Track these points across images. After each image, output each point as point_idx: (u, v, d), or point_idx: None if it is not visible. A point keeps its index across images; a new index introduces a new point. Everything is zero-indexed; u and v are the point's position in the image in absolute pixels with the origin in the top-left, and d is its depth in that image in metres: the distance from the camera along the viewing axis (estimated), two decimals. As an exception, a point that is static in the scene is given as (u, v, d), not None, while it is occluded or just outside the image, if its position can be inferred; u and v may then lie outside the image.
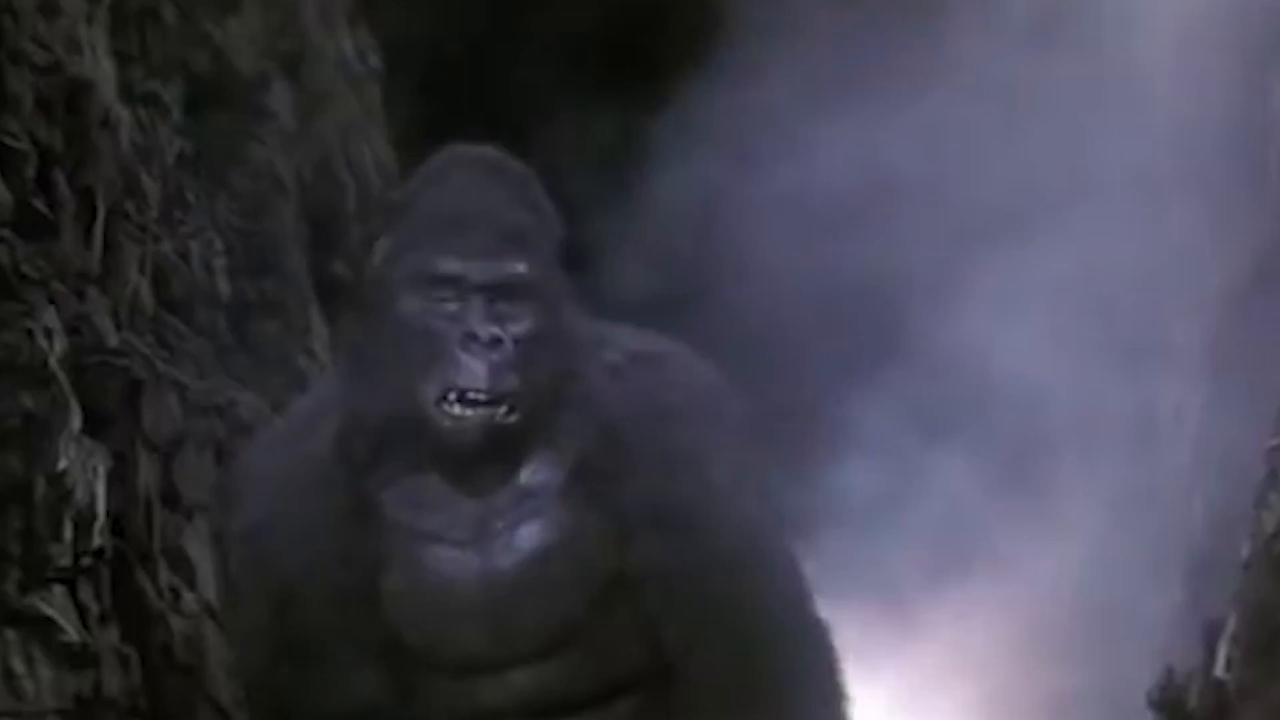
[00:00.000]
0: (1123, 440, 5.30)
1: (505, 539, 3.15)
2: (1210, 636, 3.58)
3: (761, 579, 3.16)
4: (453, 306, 3.12)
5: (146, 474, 3.77)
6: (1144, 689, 3.81)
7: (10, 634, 3.33)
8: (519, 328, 3.12)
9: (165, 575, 3.77)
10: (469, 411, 3.09)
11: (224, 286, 4.40)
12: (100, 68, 3.93)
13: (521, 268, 3.13)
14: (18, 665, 3.33)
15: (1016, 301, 5.44)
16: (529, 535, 3.15)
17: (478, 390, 3.09)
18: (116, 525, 3.63)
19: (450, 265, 3.12)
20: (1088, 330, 5.41)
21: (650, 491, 3.14)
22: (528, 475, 3.15)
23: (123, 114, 4.04)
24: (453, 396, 3.09)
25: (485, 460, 3.13)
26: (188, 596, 3.79)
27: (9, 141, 3.67)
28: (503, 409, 3.09)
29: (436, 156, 3.22)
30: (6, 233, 3.60)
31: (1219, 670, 3.54)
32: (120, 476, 3.65)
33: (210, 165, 4.47)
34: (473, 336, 3.10)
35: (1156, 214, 5.29)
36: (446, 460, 3.13)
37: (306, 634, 3.15)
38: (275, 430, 3.36)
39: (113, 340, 3.81)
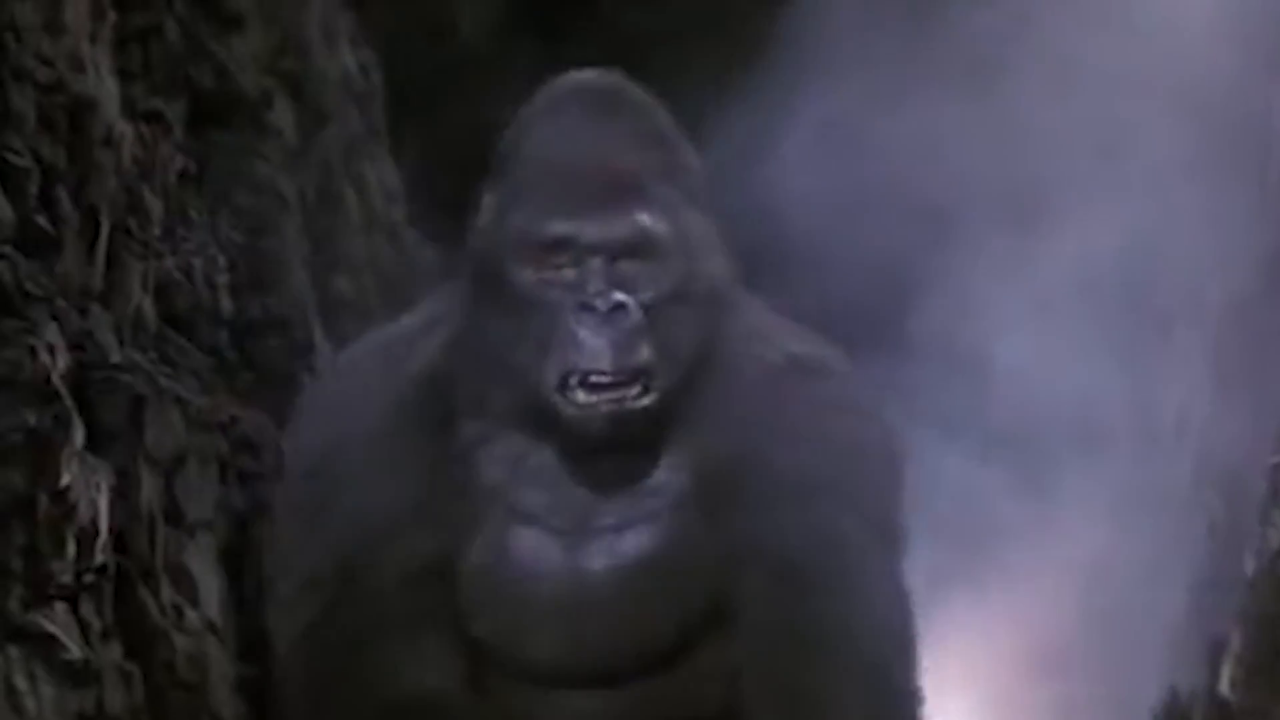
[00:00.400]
0: (1125, 451, 5.30)
1: (609, 539, 2.73)
2: (1214, 654, 3.58)
3: (874, 671, 2.70)
4: (568, 273, 2.69)
5: (149, 490, 3.78)
6: (1146, 702, 3.81)
7: (12, 651, 3.33)
8: (647, 292, 2.68)
9: (168, 592, 3.77)
10: (594, 398, 2.67)
11: (227, 303, 4.40)
12: (103, 85, 3.94)
13: (645, 219, 2.68)
14: (20, 682, 3.33)
15: (1014, 309, 5.44)
16: (636, 541, 2.73)
17: (601, 371, 2.67)
18: (119, 542, 3.64)
19: (560, 225, 2.68)
20: (1090, 338, 5.41)
21: (777, 527, 2.69)
22: (650, 471, 2.73)
23: (126, 131, 4.05)
24: (574, 381, 2.68)
25: (608, 448, 2.71)
26: (190, 614, 3.79)
27: (11, 158, 3.68)
28: (634, 390, 2.67)
29: (544, 89, 2.76)
30: (9, 249, 3.61)
31: (1223, 689, 3.53)
32: (123, 493, 3.65)
33: (213, 182, 4.48)
34: (589, 307, 2.67)
35: (1159, 221, 5.29)
36: (567, 444, 2.72)
37: (368, 600, 2.72)
38: (366, 347, 2.88)
39: (115, 356, 3.82)
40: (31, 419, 3.45)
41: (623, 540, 2.74)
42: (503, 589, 2.73)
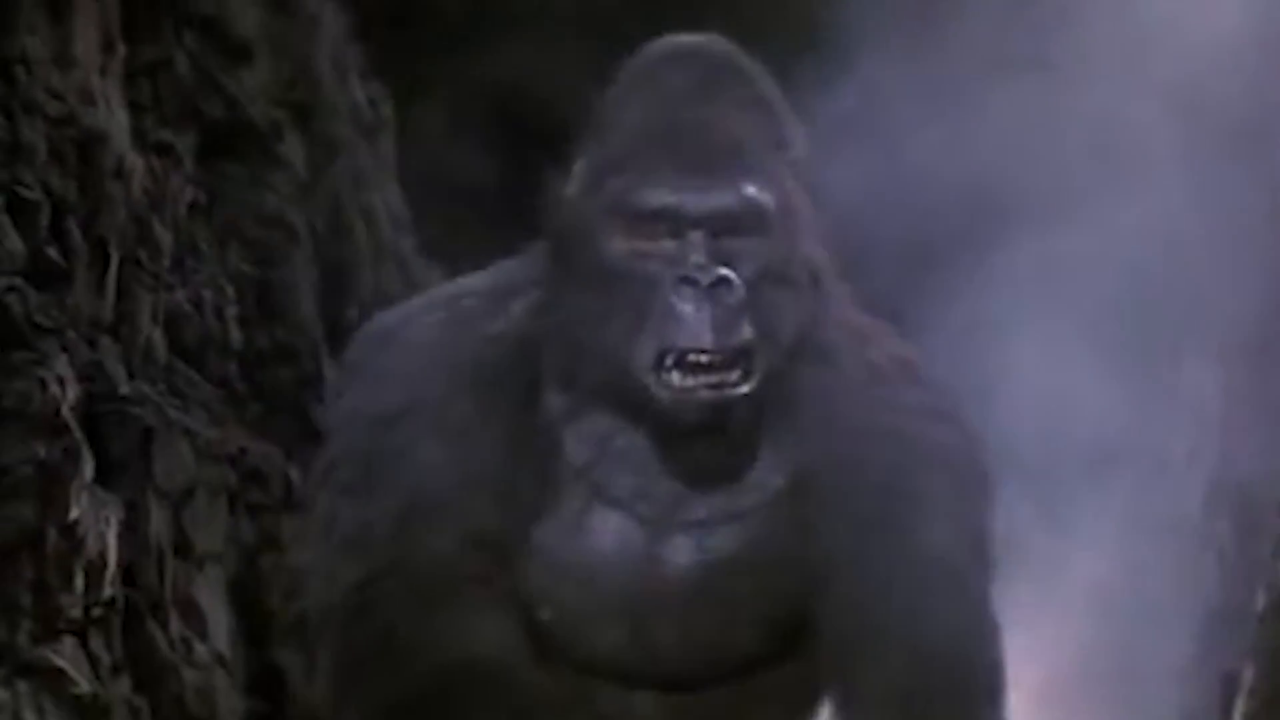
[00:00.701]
0: (1135, 482, 5.29)
1: (698, 535, 2.51)
2: (1227, 689, 3.56)
3: (963, 705, 2.48)
4: (667, 245, 2.47)
5: (158, 523, 3.77)
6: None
7: (21, 685, 3.33)
8: (751, 269, 2.46)
9: (176, 626, 3.76)
10: (692, 381, 2.45)
11: (236, 334, 4.40)
12: (114, 118, 3.94)
13: (751, 190, 2.48)
14: (29, 716, 3.32)
15: (1023, 337, 5.42)
16: (727, 540, 2.51)
17: (701, 350, 2.44)
18: (127, 575, 3.63)
19: (660, 195, 2.47)
20: (1100, 373, 5.39)
21: (872, 540, 2.48)
22: (745, 465, 2.51)
23: (136, 163, 4.05)
24: (670, 361, 2.45)
25: (704, 436, 2.49)
26: (199, 647, 3.79)
27: (22, 191, 3.68)
28: (734, 375, 2.44)
29: (641, 53, 2.56)
30: (19, 282, 3.61)
31: (1235, 723, 3.52)
32: (131, 525, 3.65)
33: (223, 214, 4.48)
34: (690, 281, 2.45)
35: (1171, 256, 5.28)
36: (660, 429, 2.50)
37: (422, 567, 2.48)
38: (426, 304, 2.61)
39: (125, 388, 3.81)
40: (41, 451, 3.45)
41: (711, 536, 2.52)
42: (576, 573, 2.52)
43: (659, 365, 2.47)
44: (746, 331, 2.46)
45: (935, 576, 2.49)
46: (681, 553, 2.52)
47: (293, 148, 4.78)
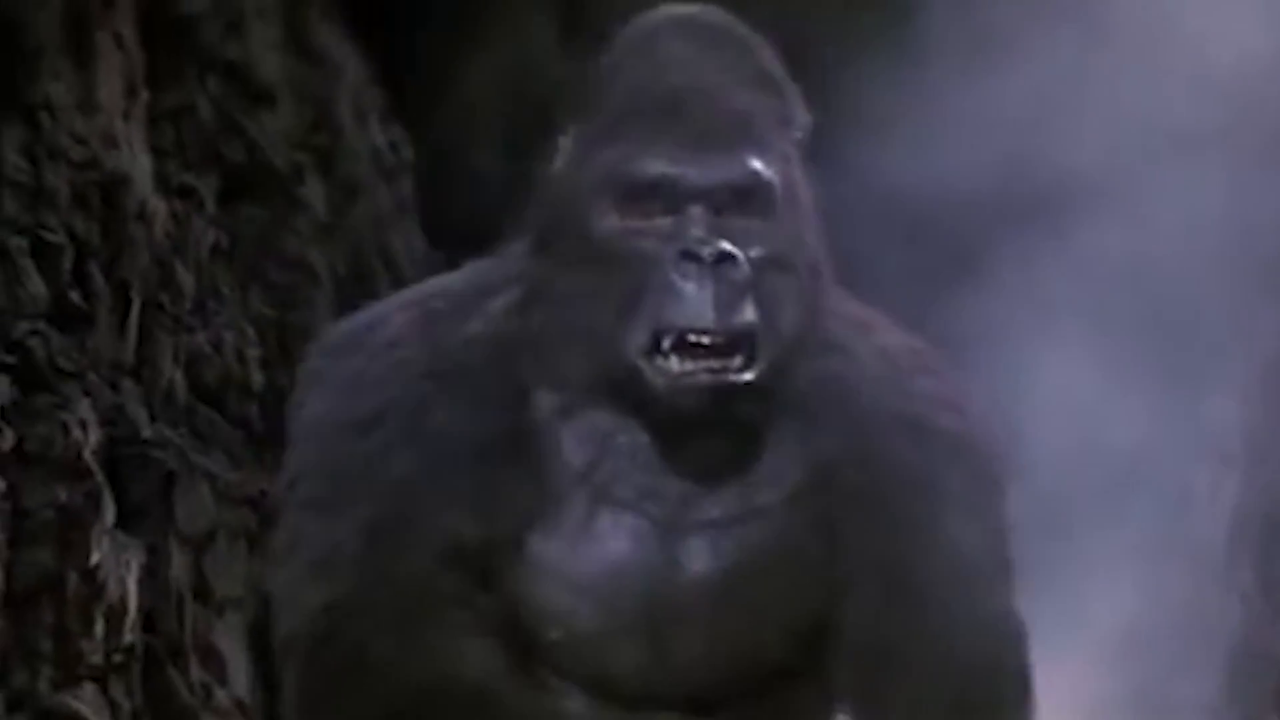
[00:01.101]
0: (1157, 520, 5.27)
1: (714, 535, 2.29)
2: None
3: (990, 711, 2.31)
4: (664, 221, 2.26)
5: (178, 568, 3.77)
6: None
7: (42, 731, 3.33)
8: (757, 246, 2.26)
9: (196, 671, 3.76)
10: (691, 364, 2.23)
11: (257, 376, 4.40)
12: (137, 162, 3.96)
13: (756, 165, 2.27)
14: (50, 763, 3.32)
15: (1043, 372, 5.39)
16: (745, 539, 2.29)
17: (702, 330, 2.23)
18: (148, 620, 3.62)
19: (658, 165, 2.27)
20: (1123, 410, 5.37)
21: (897, 537, 2.30)
22: (759, 459, 2.30)
23: (158, 206, 4.06)
24: (668, 343, 2.23)
25: (710, 428, 2.27)
26: (219, 693, 3.79)
27: (46, 235, 3.69)
28: (736, 360, 2.23)
29: (636, 20, 2.37)
30: (42, 325, 3.62)
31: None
32: (152, 570, 3.64)
33: (244, 256, 4.49)
34: (692, 256, 2.24)
35: (1192, 292, 5.26)
36: (659, 421, 2.28)
37: (399, 585, 2.27)
38: (395, 307, 2.38)
39: (146, 432, 3.82)
40: (62, 495, 3.45)
41: (729, 536, 2.29)
42: (588, 585, 2.28)
43: (655, 349, 2.24)
44: (750, 313, 2.24)
45: (963, 577, 2.31)
46: (699, 556, 2.30)
47: (314, 191, 4.79)
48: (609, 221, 2.29)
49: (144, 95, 4.01)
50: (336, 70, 4.91)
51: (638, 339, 2.25)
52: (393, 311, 2.36)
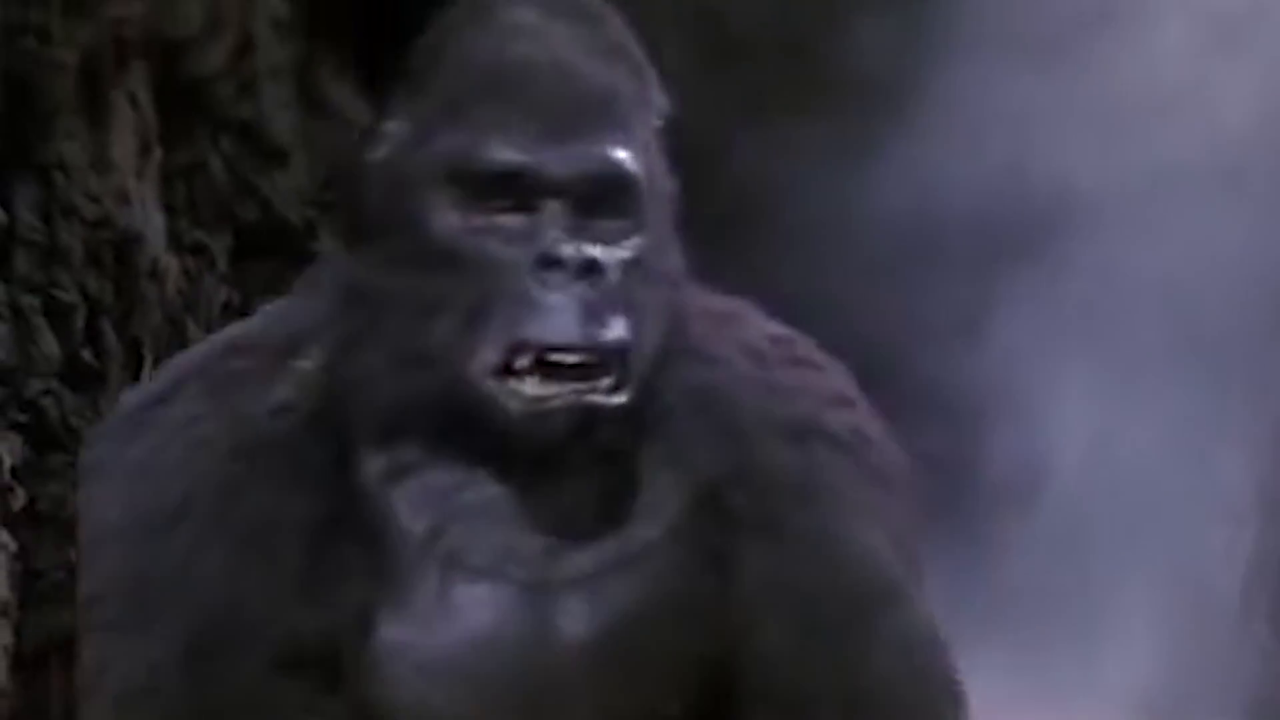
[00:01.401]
0: (1171, 580, 5.25)
1: (588, 591, 1.98)
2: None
3: None
4: (513, 219, 1.93)
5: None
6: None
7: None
8: (625, 250, 1.94)
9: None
10: (551, 389, 1.90)
11: (269, 433, 4.40)
12: (149, 220, 3.97)
13: (622, 154, 1.94)
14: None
15: (1050, 439, 5.39)
16: (627, 590, 1.98)
17: (566, 348, 1.90)
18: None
19: (508, 152, 1.92)
20: (1137, 468, 5.36)
21: (800, 558, 2.00)
22: (632, 496, 1.99)
23: (170, 264, 4.06)
24: (523, 363, 1.90)
25: (572, 462, 1.95)
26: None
27: (59, 295, 3.70)
28: (606, 381, 1.91)
29: None
30: (55, 384, 3.62)
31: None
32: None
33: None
34: (552, 261, 1.91)
35: (1203, 353, 5.26)
36: (510, 457, 1.94)
37: (229, 703, 1.95)
38: (210, 361, 2.02)
39: (158, 491, 3.81)
40: (74, 556, 3.44)
41: (608, 589, 1.98)
42: (449, 669, 1.96)
43: (506, 369, 1.90)
44: (622, 328, 1.92)
45: (874, 592, 2.02)
46: (575, 617, 1.98)
47: (327, 247, 4.79)
48: (448, 220, 1.94)
49: (157, 154, 4.03)
50: (349, 127, 4.92)
51: (486, 359, 1.91)
52: (184, 380, 2.01)
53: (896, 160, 4.97)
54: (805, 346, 2.09)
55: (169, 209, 4.13)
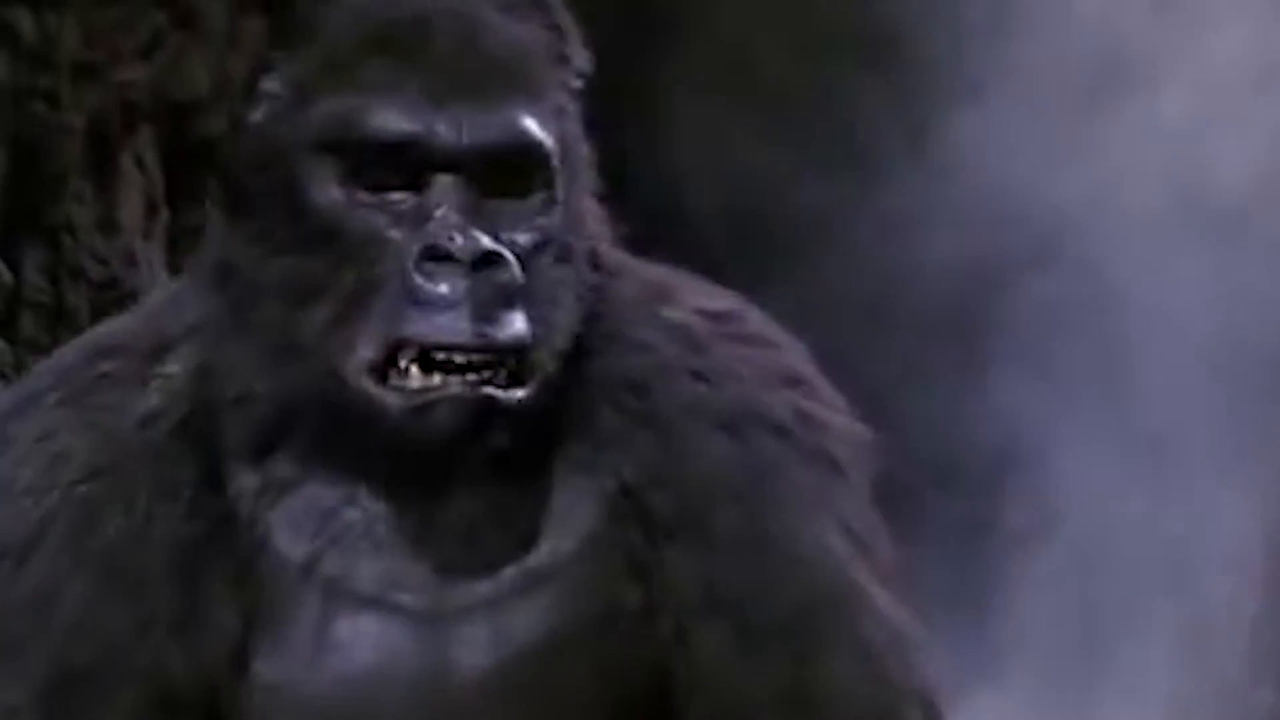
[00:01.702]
0: (1175, 647, 5.23)
1: (491, 617, 1.76)
2: None
3: None
4: (403, 197, 1.72)
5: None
6: None
7: None
8: (528, 234, 1.73)
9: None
10: (436, 379, 1.70)
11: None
12: (157, 282, 3.99)
13: (528, 124, 1.72)
14: None
15: (1052, 492, 5.36)
16: (533, 614, 1.76)
17: (454, 346, 1.70)
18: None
19: (396, 119, 1.70)
20: (1140, 526, 5.34)
21: (738, 558, 1.78)
22: (540, 505, 1.76)
23: (177, 325, 4.08)
24: (405, 359, 1.70)
25: (467, 471, 1.74)
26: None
27: (66, 357, 3.71)
28: (500, 374, 1.71)
29: None
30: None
31: None
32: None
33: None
34: (440, 254, 1.70)
35: (1211, 404, 5.24)
36: (396, 468, 1.74)
37: None
38: (72, 367, 1.81)
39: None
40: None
41: (513, 613, 1.75)
42: (327, 708, 1.73)
43: (386, 364, 1.70)
44: (519, 324, 1.71)
45: (825, 594, 1.80)
46: (476, 647, 1.75)
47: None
48: (328, 195, 1.72)
49: (164, 215, 4.05)
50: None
51: (363, 355, 1.71)
52: (42, 392, 1.80)
53: (892, 209, 4.96)
54: (754, 321, 1.87)
55: (176, 270, 4.13)
